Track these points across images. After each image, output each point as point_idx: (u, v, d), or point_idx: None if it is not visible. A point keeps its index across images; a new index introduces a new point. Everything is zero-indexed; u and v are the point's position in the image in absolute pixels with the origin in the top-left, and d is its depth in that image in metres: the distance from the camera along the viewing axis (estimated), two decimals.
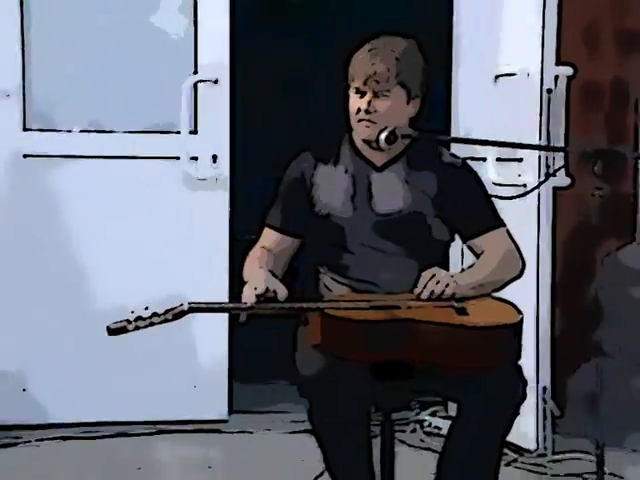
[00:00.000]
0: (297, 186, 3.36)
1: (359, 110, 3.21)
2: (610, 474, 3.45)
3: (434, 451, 3.51)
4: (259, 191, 3.54)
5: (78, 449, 4.30)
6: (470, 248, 3.34)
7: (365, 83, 3.20)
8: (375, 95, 3.19)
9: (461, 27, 4.71)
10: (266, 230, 3.39)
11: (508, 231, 3.33)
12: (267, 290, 3.06)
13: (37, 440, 4.35)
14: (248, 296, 3.06)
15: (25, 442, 4.36)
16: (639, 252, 4.60)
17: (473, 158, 3.70)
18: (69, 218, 4.57)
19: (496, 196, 3.48)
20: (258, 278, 3.10)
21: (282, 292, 3.10)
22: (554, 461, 4.08)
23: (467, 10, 4.68)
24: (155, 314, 2.95)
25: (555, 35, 4.20)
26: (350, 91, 3.27)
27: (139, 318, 2.94)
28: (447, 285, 3.11)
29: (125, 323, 2.94)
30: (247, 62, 4.81)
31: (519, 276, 3.31)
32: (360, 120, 3.22)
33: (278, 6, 5.46)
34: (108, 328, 2.94)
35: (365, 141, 3.27)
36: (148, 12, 4.60)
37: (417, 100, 3.26)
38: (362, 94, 3.22)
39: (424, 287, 3.11)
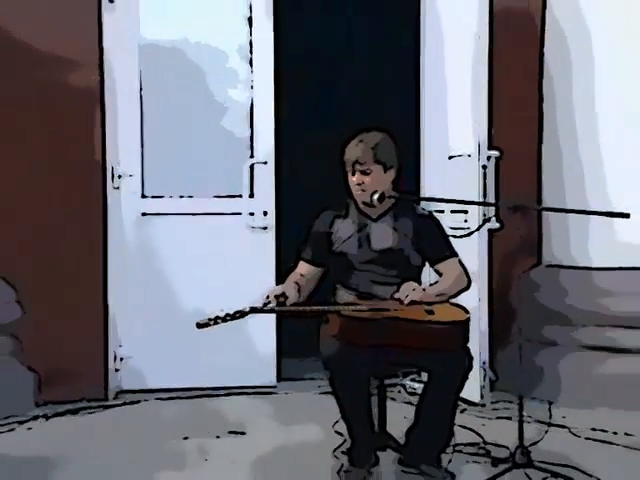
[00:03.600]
0: (321, 233, 3.36)
1: (356, 184, 3.25)
2: (528, 416, 3.44)
3: (412, 404, 3.45)
4: (295, 235, 3.54)
5: (173, 406, 4.27)
6: (435, 270, 3.36)
7: (353, 166, 3.25)
8: (361, 173, 3.24)
9: (425, 123, 4.60)
10: (300, 262, 3.39)
11: (460, 260, 3.35)
12: (283, 294, 3.11)
13: (144, 400, 4.34)
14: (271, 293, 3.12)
15: (136, 402, 4.33)
16: (543, 271, 4.55)
17: (436, 211, 3.73)
18: (172, 253, 4.49)
19: (451, 236, 3.49)
20: (280, 286, 3.19)
21: (292, 297, 3.13)
22: (492, 409, 4.06)
23: (429, 111, 4.57)
24: (227, 314, 3.01)
25: (487, 129, 4.13)
26: (347, 169, 3.29)
27: (217, 317, 3.00)
28: (417, 293, 3.14)
29: (207, 320, 3.00)
30: (289, 147, 4.79)
31: (467, 289, 3.33)
32: (357, 190, 3.27)
33: (311, 114, 5.50)
34: (197, 324, 3.00)
35: (363, 202, 3.30)
36: (219, 118, 4.56)
37: (392, 170, 3.28)
38: (353, 173, 3.26)
39: (403, 293, 3.15)
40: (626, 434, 3.67)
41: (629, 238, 4.10)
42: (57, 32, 4.26)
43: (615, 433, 3.69)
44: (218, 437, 3.72)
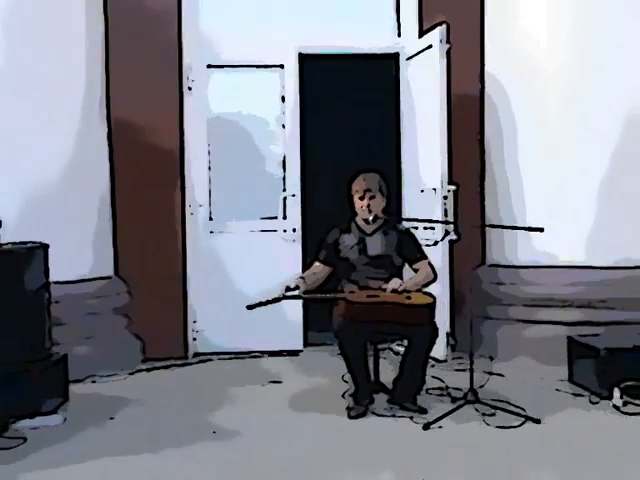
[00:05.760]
0: (332, 243, 3.38)
1: (363, 206, 3.28)
2: (476, 368, 3.33)
3: (396, 362, 3.45)
4: (315, 246, 3.51)
5: (232, 364, 4.27)
6: (412, 269, 3.39)
7: (364, 193, 3.28)
8: (369, 198, 3.28)
9: (404, 167, 4.57)
10: (316, 262, 3.39)
11: (429, 261, 3.38)
12: (297, 286, 3.13)
13: (212, 360, 4.33)
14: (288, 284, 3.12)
15: (207, 361, 4.33)
16: (486, 269, 4.52)
17: (412, 227, 3.70)
18: (230, 258, 4.47)
19: (424, 245, 3.53)
20: (294, 280, 3.20)
21: (302, 287, 3.14)
22: (455, 363, 3.98)
23: (406, 159, 4.53)
24: (268, 300, 3.09)
25: (447, 169, 4.08)
26: (354, 197, 3.32)
27: (261, 302, 3.09)
28: (400, 285, 3.20)
29: (254, 304, 3.08)
30: (315, 186, 4.81)
31: (434, 281, 3.37)
32: (364, 210, 3.29)
33: (325, 161, 5.30)
34: (247, 306, 3.07)
35: (364, 220, 3.31)
36: (263, 165, 4.56)
37: (385, 198, 3.33)
38: (362, 198, 3.29)
39: (391, 285, 3.20)
40: (541, 378, 3.72)
41: (543, 245, 4.07)
42: (153, 111, 4.30)
43: (534, 378, 3.74)
44: (263, 385, 3.74)
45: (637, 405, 3.19)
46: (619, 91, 4.02)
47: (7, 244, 3.16)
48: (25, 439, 2.87)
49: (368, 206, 3.26)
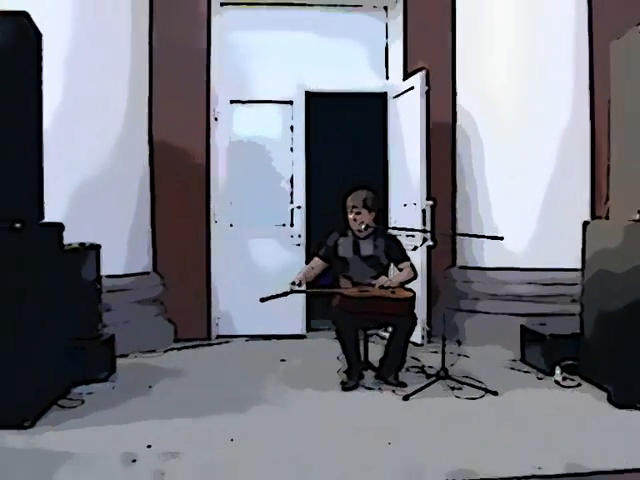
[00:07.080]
0: (331, 244, 3.37)
1: (351, 219, 3.31)
2: (450, 352, 3.51)
3: (383, 344, 3.42)
4: (317, 249, 3.47)
5: (248, 345, 4.30)
6: (398, 269, 3.39)
7: (352, 209, 3.30)
8: (356, 213, 3.29)
9: (391, 185, 4.58)
10: (316, 257, 3.37)
11: (411, 262, 3.38)
12: (300, 282, 3.14)
13: (231, 342, 4.36)
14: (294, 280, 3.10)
15: (227, 342, 4.36)
16: (457, 270, 4.54)
17: (396, 234, 3.61)
18: (247, 258, 4.52)
19: (407, 249, 3.50)
20: (298, 277, 3.20)
21: (303, 284, 3.16)
22: (430, 347, 4.03)
23: (393, 178, 4.56)
24: (278, 294, 3.08)
25: (426, 186, 4.12)
26: (347, 210, 3.33)
27: (272, 295, 3.08)
28: (387, 281, 3.23)
29: (267, 297, 3.07)
30: (317, 199, 4.77)
31: (415, 279, 3.36)
32: (353, 223, 3.32)
33: (327, 179, 5.30)
34: (260, 299, 3.07)
35: (355, 230, 3.36)
36: (275, 181, 4.58)
37: (374, 212, 3.31)
38: (351, 212, 3.31)
39: (379, 282, 3.23)
40: (499, 359, 3.75)
41: (503, 250, 4.10)
42: (186, 135, 4.38)
43: (496, 359, 3.79)
44: (272, 363, 3.75)
45: (573, 380, 3.30)
46: (557, 121, 4.14)
47: (69, 244, 3.24)
48: (83, 401, 2.99)
49: (354, 220, 3.29)
